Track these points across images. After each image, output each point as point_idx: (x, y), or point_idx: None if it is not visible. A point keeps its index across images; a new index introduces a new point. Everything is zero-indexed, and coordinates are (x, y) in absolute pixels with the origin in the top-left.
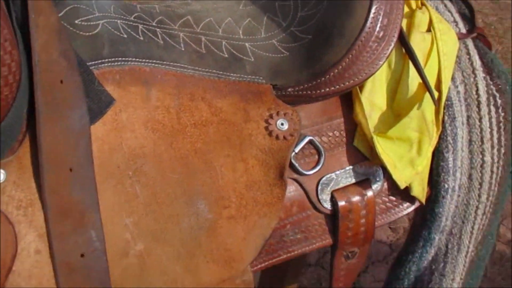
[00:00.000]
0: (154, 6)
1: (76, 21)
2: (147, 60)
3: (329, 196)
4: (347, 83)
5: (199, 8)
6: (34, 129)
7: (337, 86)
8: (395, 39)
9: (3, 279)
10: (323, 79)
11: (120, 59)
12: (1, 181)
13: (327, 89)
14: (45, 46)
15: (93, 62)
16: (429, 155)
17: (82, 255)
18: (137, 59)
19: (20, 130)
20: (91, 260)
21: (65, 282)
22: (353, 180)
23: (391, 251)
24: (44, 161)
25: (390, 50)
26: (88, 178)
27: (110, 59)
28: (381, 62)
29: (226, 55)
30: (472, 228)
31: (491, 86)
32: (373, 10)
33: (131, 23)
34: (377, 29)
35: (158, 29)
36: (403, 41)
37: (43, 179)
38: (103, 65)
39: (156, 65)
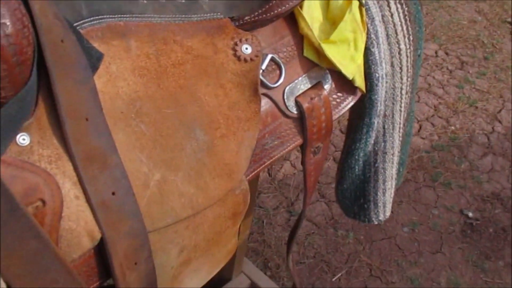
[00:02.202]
0: None
1: None
2: (119, 16)
3: (294, 102)
4: (294, 1)
5: None
6: (45, 89)
7: (287, 5)
8: None
9: (57, 224)
10: (274, 1)
11: (97, 17)
12: (27, 143)
13: (279, 10)
14: (42, 10)
15: (77, 23)
16: (363, 50)
17: (113, 193)
18: (111, 16)
19: (36, 92)
20: (122, 196)
21: (104, 219)
22: (309, 85)
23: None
24: (64, 115)
25: None
26: (102, 125)
27: (89, 19)
28: None
29: (183, 0)
30: (401, 107)
31: None
32: None
33: None
34: None
35: None
36: None
37: (65, 132)
38: (85, 24)
39: (128, 18)
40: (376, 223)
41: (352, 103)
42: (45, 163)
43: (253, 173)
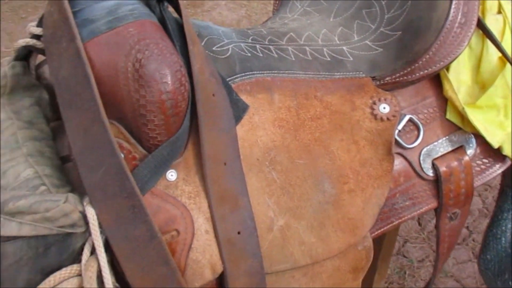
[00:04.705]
0: (261, 29)
1: (214, 48)
2: (268, 72)
3: (431, 164)
4: (438, 65)
5: (297, 25)
6: (194, 135)
7: (430, 69)
8: (474, 23)
9: (186, 254)
10: (416, 65)
11: (248, 73)
12: (174, 179)
13: (421, 73)
14: (200, 69)
15: (230, 78)
16: None
17: (239, 233)
18: (260, 72)
19: (186, 138)
20: (246, 236)
21: (227, 255)
22: (450, 148)
23: (469, 232)
24: (206, 159)
25: (471, 33)
26: (238, 169)
27: (241, 74)
28: (465, 44)
29: (329, 59)
30: None
31: None
32: (454, 1)
33: (250, 43)
34: (459, 16)
35: (271, 46)
36: (480, 24)
37: (205, 173)
38: (237, 79)
39: (275, 74)
40: None
41: (500, 171)
42: (185, 198)
43: (379, 231)
